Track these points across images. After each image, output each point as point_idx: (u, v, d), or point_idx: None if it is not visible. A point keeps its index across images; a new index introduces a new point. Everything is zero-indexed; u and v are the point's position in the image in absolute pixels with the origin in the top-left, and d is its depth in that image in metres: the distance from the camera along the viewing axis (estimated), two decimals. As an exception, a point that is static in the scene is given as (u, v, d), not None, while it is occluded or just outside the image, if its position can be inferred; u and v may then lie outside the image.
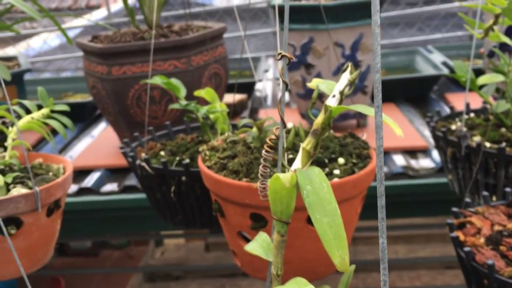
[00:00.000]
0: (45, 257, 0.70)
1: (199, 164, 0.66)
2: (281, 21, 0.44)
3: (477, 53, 1.43)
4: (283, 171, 0.43)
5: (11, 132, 0.74)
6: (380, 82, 0.31)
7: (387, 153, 1.12)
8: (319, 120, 0.40)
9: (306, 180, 0.38)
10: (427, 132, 1.16)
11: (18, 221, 0.64)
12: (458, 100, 1.31)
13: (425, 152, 1.12)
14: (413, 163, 1.07)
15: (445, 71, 1.37)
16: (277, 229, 0.41)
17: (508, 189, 0.66)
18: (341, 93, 0.41)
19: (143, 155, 0.78)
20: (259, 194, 0.46)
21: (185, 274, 2.16)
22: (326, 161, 0.64)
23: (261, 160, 0.45)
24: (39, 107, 0.76)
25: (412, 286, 1.93)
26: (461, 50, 1.69)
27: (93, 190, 1.07)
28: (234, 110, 1.34)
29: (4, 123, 0.86)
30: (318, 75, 1.09)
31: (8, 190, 0.66)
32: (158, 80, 0.78)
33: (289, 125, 0.59)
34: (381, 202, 0.31)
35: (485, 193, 0.68)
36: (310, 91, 1.05)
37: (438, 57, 1.55)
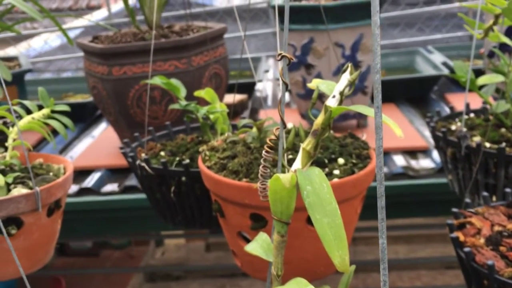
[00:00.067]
0: (46, 257, 0.70)
1: (199, 164, 0.66)
2: (281, 21, 0.44)
3: (477, 53, 1.43)
4: (283, 172, 0.43)
5: (12, 132, 0.74)
6: (379, 83, 0.31)
7: (387, 153, 1.12)
8: (319, 120, 0.40)
9: (306, 180, 0.38)
10: (427, 133, 1.16)
11: (18, 221, 0.64)
12: (458, 101, 1.31)
13: (425, 152, 1.12)
14: (413, 163, 1.07)
15: (445, 71, 1.38)
16: (277, 229, 0.41)
17: (508, 190, 0.66)
18: (341, 93, 0.41)
19: (143, 155, 0.78)
20: (259, 194, 0.46)
21: (186, 274, 2.16)
22: (326, 161, 0.64)
23: (261, 161, 0.45)
24: (40, 107, 0.76)
25: (413, 286, 1.93)
26: (461, 51, 1.69)
27: (93, 190, 1.08)
28: (235, 111, 1.34)
29: (5, 123, 0.86)
30: (319, 76, 1.09)
31: (9, 190, 0.67)
32: (158, 80, 0.79)
33: (289, 125, 0.59)
34: (381, 202, 0.31)
35: (485, 193, 0.68)
36: (311, 91, 1.05)
37: (438, 58, 1.55)
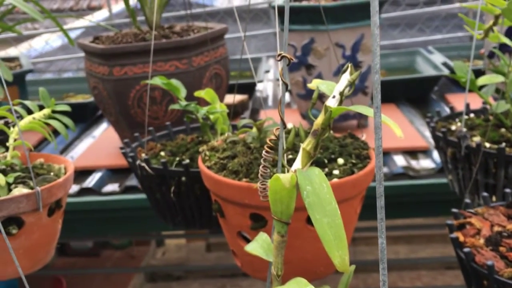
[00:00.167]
0: (46, 257, 0.70)
1: (199, 164, 0.67)
2: (282, 22, 0.44)
3: (477, 54, 1.43)
4: (283, 172, 0.43)
5: (13, 132, 0.74)
6: (379, 83, 0.31)
7: (388, 153, 1.12)
8: (319, 120, 0.40)
9: (306, 180, 0.38)
10: (427, 133, 1.16)
11: (19, 221, 0.64)
12: (458, 101, 1.31)
13: (426, 152, 1.12)
14: (414, 163, 1.07)
15: (446, 71, 1.38)
16: (277, 229, 0.41)
17: (508, 190, 0.66)
18: (341, 93, 0.41)
19: (143, 155, 0.78)
20: (259, 194, 0.46)
21: (186, 274, 2.16)
22: (326, 161, 0.64)
23: (261, 161, 0.45)
24: (41, 107, 0.76)
25: (413, 287, 1.93)
26: (462, 51, 1.69)
27: (94, 190, 1.08)
28: (235, 111, 1.34)
29: (6, 123, 0.86)
30: (319, 76, 1.10)
31: (10, 190, 0.67)
32: (158, 80, 0.79)
33: (289, 125, 0.59)
34: (380, 202, 0.31)
35: (485, 194, 0.68)
36: (311, 91, 1.05)
37: (438, 58, 1.55)
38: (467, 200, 0.66)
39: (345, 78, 0.41)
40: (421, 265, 2.03)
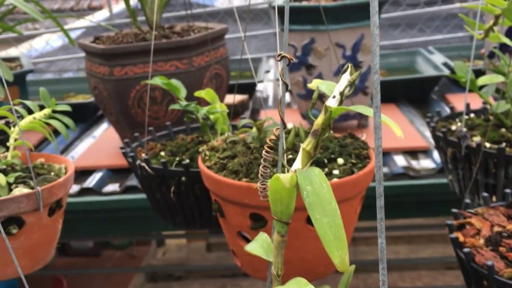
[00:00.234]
0: (47, 257, 0.70)
1: (199, 164, 0.67)
2: (282, 22, 0.44)
3: (478, 54, 1.43)
4: (283, 172, 0.43)
5: (13, 132, 0.74)
6: (379, 83, 0.31)
7: (388, 153, 1.12)
8: (319, 120, 0.40)
9: (306, 180, 0.38)
10: (428, 133, 1.16)
11: (20, 220, 0.64)
12: (458, 101, 1.31)
13: (426, 152, 1.12)
14: (414, 163, 1.07)
15: (446, 72, 1.38)
16: (277, 229, 0.41)
17: (508, 190, 0.66)
18: (341, 93, 0.41)
19: (143, 155, 0.78)
20: (259, 194, 0.46)
21: (187, 274, 2.16)
22: (326, 161, 0.64)
23: (261, 161, 0.45)
24: (41, 107, 0.76)
25: (413, 287, 1.93)
26: (462, 51, 1.69)
27: (94, 190, 1.08)
28: (236, 111, 1.34)
29: (7, 123, 0.86)
30: (319, 76, 1.10)
31: (10, 190, 0.67)
32: (158, 80, 0.79)
33: (289, 125, 0.59)
34: (380, 202, 0.32)
35: (485, 194, 0.68)
36: (311, 91, 1.05)
37: (439, 58, 1.55)
38: (467, 200, 0.66)
39: (345, 78, 0.41)
40: (422, 265, 2.03)
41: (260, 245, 0.43)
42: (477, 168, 0.73)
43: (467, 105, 0.85)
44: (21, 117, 0.75)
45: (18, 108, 0.74)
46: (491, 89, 0.80)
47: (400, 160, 1.08)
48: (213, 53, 1.10)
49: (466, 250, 0.54)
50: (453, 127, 0.82)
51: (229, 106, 0.80)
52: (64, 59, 2.18)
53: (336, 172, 0.61)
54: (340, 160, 0.64)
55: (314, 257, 0.61)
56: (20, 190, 0.66)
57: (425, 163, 1.07)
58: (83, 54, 1.17)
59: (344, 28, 1.06)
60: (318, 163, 0.63)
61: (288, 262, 0.44)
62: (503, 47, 0.82)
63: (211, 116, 0.77)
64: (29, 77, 1.57)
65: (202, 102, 0.84)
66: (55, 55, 2.23)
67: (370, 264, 1.87)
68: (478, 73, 0.83)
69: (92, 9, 2.94)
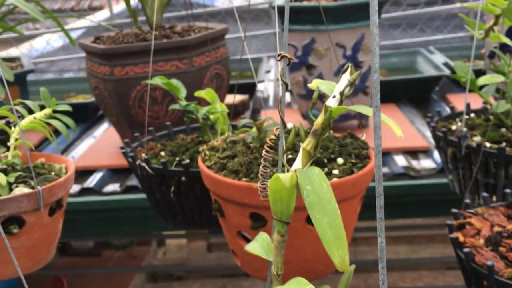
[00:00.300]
0: (47, 257, 0.70)
1: (199, 164, 0.67)
2: (282, 22, 0.44)
3: (479, 54, 1.43)
4: (283, 171, 0.43)
5: (14, 132, 0.74)
6: (378, 82, 0.31)
7: (389, 153, 1.12)
8: (319, 120, 0.41)
9: (306, 180, 0.38)
10: (428, 133, 1.16)
11: (20, 220, 0.64)
12: (459, 101, 1.31)
13: (427, 152, 1.12)
14: (415, 163, 1.07)
15: (447, 72, 1.38)
16: (277, 229, 0.41)
17: (508, 190, 0.66)
18: (341, 93, 0.41)
19: (143, 155, 0.78)
20: (259, 194, 0.46)
21: (187, 274, 2.16)
22: (325, 161, 0.64)
23: (261, 160, 0.45)
24: (42, 107, 0.76)
25: (414, 287, 1.93)
26: (463, 51, 1.69)
27: (95, 190, 1.08)
28: (236, 111, 1.34)
29: (7, 123, 0.86)
30: (320, 76, 1.10)
31: (11, 190, 0.67)
32: (158, 80, 0.79)
33: (289, 125, 0.59)
34: (380, 201, 0.32)
35: (485, 194, 0.68)
36: (312, 91, 1.05)
37: (439, 58, 1.55)
38: (467, 200, 0.66)
39: (345, 78, 0.41)
40: (422, 265, 2.02)
41: (260, 245, 0.43)
42: (477, 168, 0.73)
43: (468, 105, 0.85)
44: (21, 117, 0.75)
45: (19, 108, 0.74)
46: (491, 89, 0.80)
47: (400, 160, 1.08)
48: (213, 53, 1.10)
49: (466, 250, 0.54)
50: (454, 127, 0.82)
51: (229, 106, 0.80)
52: (65, 59, 2.18)
53: (336, 172, 0.61)
54: (340, 160, 0.64)
55: (314, 257, 0.61)
56: (21, 190, 0.66)
57: (426, 163, 1.07)
58: (83, 54, 1.18)
59: (345, 28, 1.06)
60: (318, 163, 0.63)
61: (288, 261, 0.44)
62: (503, 47, 0.82)
63: (211, 116, 0.77)
64: (30, 77, 1.57)
65: (203, 102, 0.84)
66: (56, 55, 2.23)
67: (371, 264, 1.87)
68: (479, 73, 0.83)
69: (93, 9, 2.94)
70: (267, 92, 1.62)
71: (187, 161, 0.73)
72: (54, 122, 0.75)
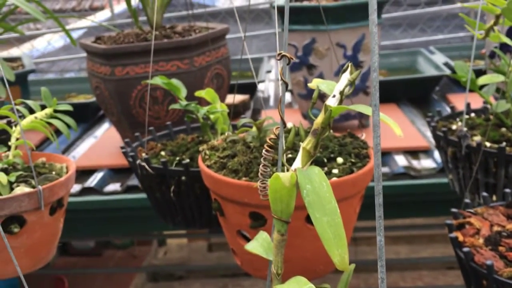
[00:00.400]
0: (48, 256, 0.70)
1: (199, 163, 0.67)
2: (283, 22, 0.44)
3: (479, 54, 1.43)
4: (283, 171, 0.43)
5: (15, 132, 0.75)
6: (377, 81, 0.31)
7: (389, 153, 1.12)
8: (319, 120, 0.41)
9: (306, 179, 0.38)
10: (429, 133, 1.17)
11: (21, 219, 0.64)
12: (459, 101, 1.31)
13: (427, 152, 1.12)
14: (415, 163, 1.07)
15: (447, 72, 1.38)
16: (277, 228, 0.41)
17: (507, 190, 0.66)
18: (341, 93, 0.41)
19: (143, 155, 0.78)
20: (259, 193, 0.46)
21: (188, 274, 2.16)
22: (325, 160, 0.64)
23: (261, 160, 0.45)
24: (43, 107, 0.77)
25: (415, 286, 1.93)
26: (463, 51, 1.69)
27: (96, 190, 1.08)
28: (237, 111, 1.34)
29: (8, 122, 0.86)
30: (320, 76, 1.10)
31: (12, 189, 0.67)
32: (158, 80, 0.79)
33: (289, 124, 0.59)
34: (379, 200, 0.32)
35: (485, 193, 0.68)
36: (312, 91, 1.05)
37: (440, 58, 1.55)
38: (467, 200, 0.66)
39: (345, 77, 0.41)
40: (423, 265, 2.02)
41: (260, 244, 0.43)
42: (477, 167, 0.73)
43: (468, 105, 0.85)
44: (22, 116, 0.75)
45: (20, 107, 0.74)
46: (492, 89, 0.80)
47: (401, 160, 1.08)
48: (214, 53, 1.10)
49: (465, 249, 0.54)
50: (454, 127, 0.82)
51: (230, 106, 0.80)
52: (66, 59, 2.19)
53: (335, 171, 0.62)
54: (340, 159, 0.64)
55: (314, 256, 0.61)
56: (22, 189, 0.66)
57: (426, 163, 1.07)
58: (84, 54, 1.18)
59: (345, 28, 1.06)
60: (317, 162, 0.63)
61: (287, 261, 0.44)
62: (503, 46, 0.82)
63: (211, 116, 0.77)
64: (31, 77, 1.58)
65: (203, 102, 0.84)
66: (57, 55, 2.23)
67: (371, 264, 1.87)
68: (479, 72, 0.83)
69: (94, 9, 2.95)
70: (267, 92, 1.62)
71: (187, 160, 0.74)
72: (55, 122, 0.76)
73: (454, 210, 0.63)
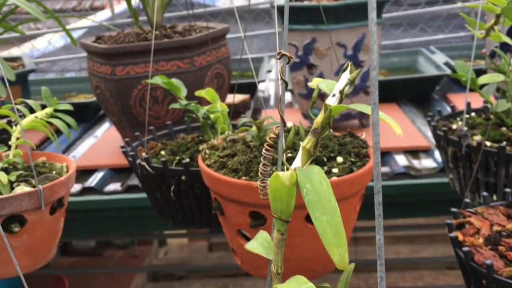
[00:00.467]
0: (48, 255, 0.70)
1: (199, 163, 0.67)
2: (283, 21, 0.44)
3: (480, 53, 1.43)
4: (283, 170, 0.43)
5: (15, 131, 0.75)
6: (377, 80, 0.31)
7: (389, 153, 1.12)
8: (319, 119, 0.41)
9: (306, 178, 0.38)
10: (429, 133, 1.16)
11: (21, 219, 0.64)
12: (460, 100, 1.31)
13: (427, 152, 1.12)
14: (415, 163, 1.07)
15: (447, 71, 1.37)
16: (277, 227, 0.41)
17: (508, 190, 0.66)
18: (341, 92, 0.41)
19: (144, 154, 0.78)
20: (259, 192, 0.46)
21: (189, 274, 2.16)
22: (325, 159, 0.64)
23: (261, 159, 0.45)
24: (43, 107, 0.77)
25: (415, 286, 1.93)
26: (463, 51, 1.69)
27: (96, 189, 1.08)
28: (237, 111, 1.34)
29: (9, 122, 0.87)
30: (321, 75, 1.10)
31: (12, 188, 0.67)
32: (158, 80, 0.79)
33: (289, 124, 0.59)
34: (378, 198, 0.32)
35: (485, 193, 0.68)
36: (313, 91, 1.05)
37: (440, 58, 1.55)
38: (467, 200, 0.66)
39: (345, 76, 0.41)
40: (423, 265, 2.02)
41: (260, 243, 0.43)
42: (478, 166, 0.73)
43: (468, 104, 0.85)
44: (23, 116, 0.75)
45: (20, 107, 0.75)
46: (492, 88, 0.80)
47: (401, 160, 1.08)
48: (214, 52, 1.10)
49: (465, 249, 0.54)
50: (454, 126, 0.82)
51: (230, 105, 0.80)
52: (66, 59, 2.19)
53: (335, 170, 0.62)
54: (340, 159, 0.64)
55: (313, 255, 0.61)
56: (22, 189, 0.66)
57: (426, 163, 1.07)
58: (85, 54, 1.18)
59: (345, 27, 1.06)
60: (317, 162, 0.63)
61: (287, 260, 0.44)
62: (504, 46, 0.82)
63: (211, 116, 0.77)
64: (31, 77, 1.58)
65: (203, 101, 0.84)
66: (57, 55, 2.23)
67: (372, 264, 1.87)
68: (480, 72, 0.83)
69: (94, 9, 2.95)
70: (268, 92, 1.62)
71: (187, 160, 0.74)
72: (55, 121, 0.76)
73: (454, 209, 0.63)
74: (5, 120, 0.88)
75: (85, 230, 1.29)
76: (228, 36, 1.17)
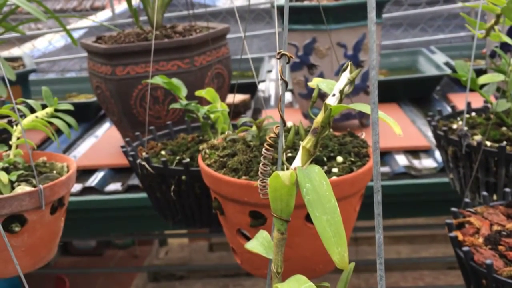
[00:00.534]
0: (49, 255, 0.70)
1: (199, 162, 0.67)
2: (283, 21, 0.44)
3: (480, 53, 1.43)
4: (283, 169, 0.44)
5: (16, 131, 0.75)
6: (376, 79, 0.31)
7: (390, 153, 1.12)
8: (319, 119, 0.41)
9: (306, 178, 0.38)
10: (429, 133, 1.17)
11: (22, 218, 0.64)
12: (460, 100, 1.31)
13: (428, 152, 1.12)
14: (416, 163, 1.07)
15: (448, 71, 1.37)
16: (277, 227, 0.41)
17: (508, 189, 0.66)
18: (341, 92, 0.41)
19: (144, 154, 0.79)
20: (259, 192, 0.46)
21: (189, 274, 2.16)
22: (325, 159, 0.64)
23: (261, 158, 0.45)
24: (44, 107, 0.77)
25: (415, 286, 1.93)
26: (464, 51, 1.69)
27: (97, 189, 1.08)
28: (238, 111, 1.35)
29: (9, 122, 0.87)
30: (321, 75, 1.10)
31: (13, 188, 0.67)
32: (159, 80, 0.79)
33: (289, 124, 0.59)
34: (378, 198, 0.32)
35: (485, 193, 0.68)
36: (313, 91, 1.05)
37: (440, 58, 1.55)
38: (467, 199, 0.66)
39: (345, 76, 0.41)
40: (424, 265, 2.02)
41: (260, 243, 0.43)
42: (478, 166, 0.73)
43: (468, 104, 0.85)
44: (23, 116, 0.76)
45: (21, 107, 0.75)
46: (492, 88, 0.80)
47: (401, 160, 1.08)
48: (214, 52, 1.10)
49: (465, 248, 0.54)
50: (454, 126, 0.82)
51: (230, 105, 0.81)
52: (67, 59, 2.19)
53: (335, 170, 0.62)
54: (340, 158, 0.64)
55: (313, 255, 0.61)
56: (23, 188, 0.66)
57: (427, 163, 1.07)
58: (85, 54, 1.18)
59: (346, 27, 1.06)
60: (317, 161, 0.63)
61: (287, 259, 0.44)
62: (504, 46, 0.82)
63: (212, 115, 0.77)
64: (32, 77, 1.58)
65: (204, 101, 0.84)
66: (58, 55, 2.24)
67: (372, 264, 1.87)
68: (480, 72, 0.83)
69: (95, 9, 2.95)
70: (268, 92, 1.62)
71: (188, 160, 0.74)
72: (56, 121, 0.76)
73: (454, 209, 0.63)
74: (5, 120, 0.89)
75: (85, 230, 1.29)
76: (228, 36, 1.17)
